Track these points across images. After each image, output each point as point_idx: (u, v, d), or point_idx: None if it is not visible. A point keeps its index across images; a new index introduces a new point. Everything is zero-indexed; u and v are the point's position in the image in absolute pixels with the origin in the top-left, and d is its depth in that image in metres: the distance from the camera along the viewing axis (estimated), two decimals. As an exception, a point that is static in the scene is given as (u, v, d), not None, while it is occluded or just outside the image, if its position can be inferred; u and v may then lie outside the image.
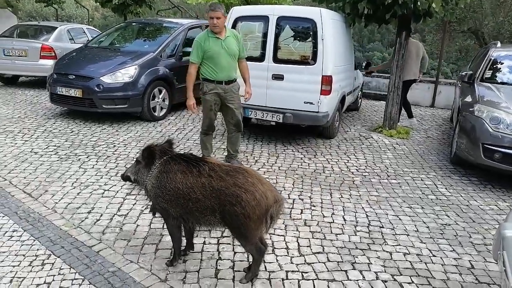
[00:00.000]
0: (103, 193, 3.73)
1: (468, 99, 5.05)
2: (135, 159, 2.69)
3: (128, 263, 2.69)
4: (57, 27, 9.36)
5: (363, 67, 7.90)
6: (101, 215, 3.31)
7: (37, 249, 2.80)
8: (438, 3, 5.12)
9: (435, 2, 5.09)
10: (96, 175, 4.14)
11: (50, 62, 8.06)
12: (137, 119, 6.32)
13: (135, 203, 3.53)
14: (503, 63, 5.66)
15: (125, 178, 2.69)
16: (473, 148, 4.40)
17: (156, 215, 2.82)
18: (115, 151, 4.90)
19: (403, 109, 6.85)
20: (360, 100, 8.22)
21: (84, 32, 10.11)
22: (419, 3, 5.09)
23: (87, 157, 4.62)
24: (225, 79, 4.18)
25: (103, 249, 2.83)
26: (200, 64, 4.15)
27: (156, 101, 6.38)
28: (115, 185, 3.90)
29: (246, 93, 4.42)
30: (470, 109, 4.65)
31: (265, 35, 5.26)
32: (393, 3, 5.17)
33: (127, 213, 3.36)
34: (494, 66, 5.56)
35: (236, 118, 4.40)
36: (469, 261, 2.93)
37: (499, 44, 6.19)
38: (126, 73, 6.03)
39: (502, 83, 5.25)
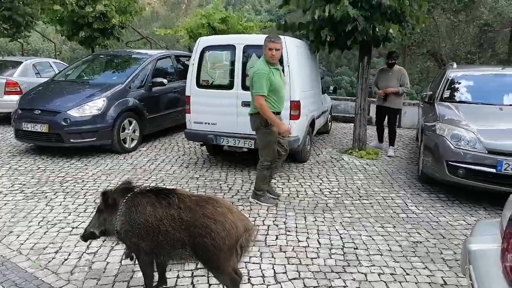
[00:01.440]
0: (71, 231, 3.59)
1: (430, 118, 5.28)
2: (95, 212, 2.58)
3: (98, 303, 2.58)
4: (22, 62, 9.19)
5: (331, 91, 8.16)
6: (69, 254, 3.18)
7: (0, 296, 2.64)
8: (395, 29, 5.42)
9: (392, 28, 5.38)
10: (63, 212, 4.00)
11: (15, 98, 7.80)
12: (107, 151, 6.20)
13: (105, 240, 3.35)
14: (460, 82, 5.99)
15: (87, 236, 2.54)
16: (438, 165, 4.56)
17: (133, 260, 2.68)
18: (84, 186, 4.76)
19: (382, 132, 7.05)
20: (330, 123, 8.42)
21: (51, 66, 9.96)
22: (377, 30, 5.37)
23: (54, 194, 4.47)
24: (281, 110, 4.24)
25: (71, 290, 2.71)
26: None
27: (126, 133, 6.31)
28: (83, 222, 3.77)
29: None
30: (432, 128, 4.86)
31: (232, 63, 5.36)
32: (354, 30, 5.42)
33: (97, 251, 3.24)
34: (452, 86, 5.87)
35: (285, 142, 4.40)
36: (442, 277, 2.98)
37: (455, 65, 6.56)
38: (94, 106, 5.96)
39: (460, 101, 5.53)
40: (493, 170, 4.15)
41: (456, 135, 4.47)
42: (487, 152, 4.23)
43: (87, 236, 2.55)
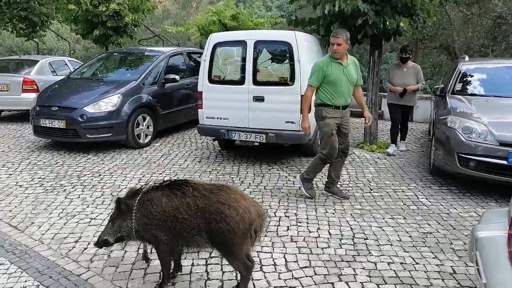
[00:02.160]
0: (90, 221, 3.73)
1: (441, 111, 5.27)
2: (108, 221, 2.65)
3: (117, 289, 2.70)
4: (38, 61, 9.42)
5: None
6: (89, 244, 3.31)
7: (25, 281, 2.78)
8: (405, 22, 5.42)
9: (402, 21, 5.38)
10: (82, 204, 4.15)
11: (32, 95, 8.05)
12: (122, 147, 6.36)
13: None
14: (472, 75, 5.95)
15: (101, 244, 2.61)
16: (449, 158, 4.57)
17: (148, 262, 2.82)
18: (101, 180, 4.91)
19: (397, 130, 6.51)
20: (341, 118, 8.41)
21: (66, 64, 10.19)
22: (387, 23, 5.38)
23: (72, 188, 4.62)
24: (342, 104, 4.19)
25: (91, 276, 2.84)
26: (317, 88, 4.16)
27: (141, 128, 6.45)
28: (101, 213, 3.91)
29: (368, 117, 4.46)
30: (444, 121, 4.86)
31: (243, 59, 5.43)
32: (364, 24, 5.44)
33: (115, 240, 3.36)
34: (464, 79, 5.83)
35: (346, 143, 4.34)
36: (451, 266, 3.03)
37: (467, 58, 6.52)
38: (109, 102, 6.11)
39: (472, 94, 5.50)
40: (504, 162, 4.15)
41: (468, 128, 4.47)
42: (498, 144, 4.23)
43: (101, 243, 2.61)
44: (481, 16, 14.58)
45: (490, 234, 2.20)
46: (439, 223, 3.79)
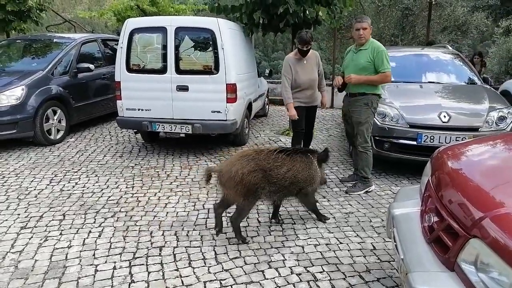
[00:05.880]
0: (-8, 230, 3.29)
1: (359, 97, 5.55)
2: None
3: (26, 303, 2.41)
4: None
5: (266, 74, 8.25)
6: (-9, 256, 2.92)
7: None
8: (324, 12, 5.59)
9: (321, 11, 5.55)
10: (-18, 211, 3.64)
11: None
12: (30, 144, 5.74)
13: (32, 237, 3.17)
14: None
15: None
16: (366, 141, 4.83)
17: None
18: (5, 182, 4.37)
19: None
20: (267, 106, 8.53)
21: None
22: (307, 12, 5.50)
23: (-31, 193, 4.05)
24: (350, 91, 4.15)
25: (-6, 293, 2.50)
26: None
27: (51, 123, 5.86)
28: (6, 220, 3.47)
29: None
30: (361, 106, 5.11)
31: (164, 47, 5.18)
32: (285, 13, 5.50)
33: (23, 249, 3.00)
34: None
35: (358, 134, 4.16)
36: (371, 243, 3.20)
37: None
38: (11, 95, 5.44)
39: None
40: (414, 143, 4.51)
41: (382, 112, 4.77)
42: (408, 126, 4.58)
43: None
44: (391, 8, 15.73)
45: (404, 211, 2.33)
46: (359, 203, 4.00)
